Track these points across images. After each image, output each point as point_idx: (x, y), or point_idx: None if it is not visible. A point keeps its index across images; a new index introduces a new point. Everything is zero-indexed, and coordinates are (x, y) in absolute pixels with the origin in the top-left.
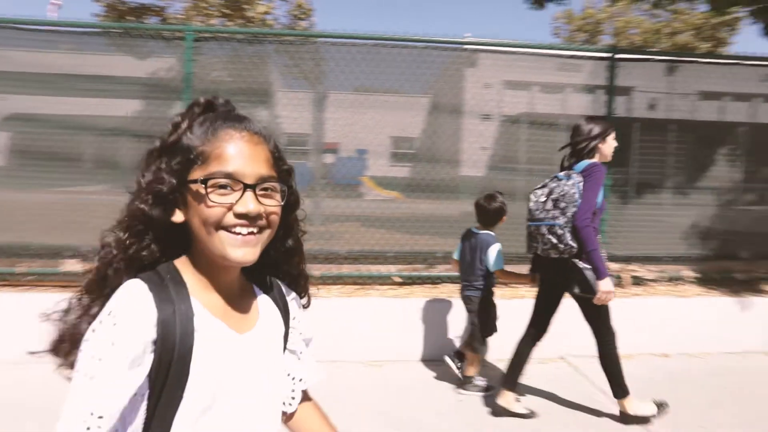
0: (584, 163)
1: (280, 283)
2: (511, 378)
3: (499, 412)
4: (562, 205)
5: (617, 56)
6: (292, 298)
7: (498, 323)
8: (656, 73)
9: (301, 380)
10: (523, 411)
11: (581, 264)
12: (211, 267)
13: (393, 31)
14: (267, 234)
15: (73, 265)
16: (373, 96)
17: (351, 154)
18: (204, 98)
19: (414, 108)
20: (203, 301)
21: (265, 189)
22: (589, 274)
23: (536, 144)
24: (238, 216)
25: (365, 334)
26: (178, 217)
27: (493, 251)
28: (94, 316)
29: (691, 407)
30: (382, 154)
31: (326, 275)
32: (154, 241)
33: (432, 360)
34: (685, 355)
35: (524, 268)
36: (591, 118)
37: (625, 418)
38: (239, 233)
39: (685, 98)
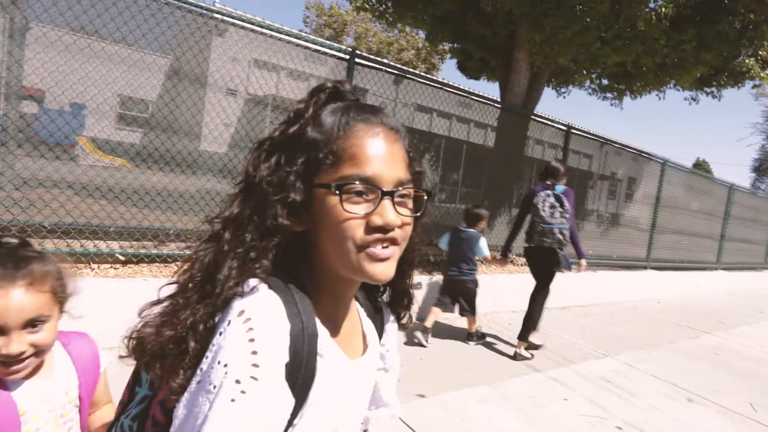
0: (561, 187)
1: (382, 302)
2: (525, 334)
3: (516, 355)
4: (566, 215)
5: (356, 60)
6: (392, 321)
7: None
8: (386, 81)
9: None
10: (528, 355)
11: (561, 252)
12: (331, 282)
13: None
14: (401, 247)
15: None
16: (99, 43)
17: (63, 108)
18: (331, 83)
19: (151, 68)
20: (322, 320)
21: (402, 195)
22: (564, 258)
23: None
24: (376, 228)
25: (78, 321)
26: (299, 225)
27: (483, 243)
28: (184, 323)
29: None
30: (106, 113)
31: None
32: (269, 250)
33: None
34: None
35: None
36: (559, 161)
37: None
38: (375, 247)
39: (405, 108)
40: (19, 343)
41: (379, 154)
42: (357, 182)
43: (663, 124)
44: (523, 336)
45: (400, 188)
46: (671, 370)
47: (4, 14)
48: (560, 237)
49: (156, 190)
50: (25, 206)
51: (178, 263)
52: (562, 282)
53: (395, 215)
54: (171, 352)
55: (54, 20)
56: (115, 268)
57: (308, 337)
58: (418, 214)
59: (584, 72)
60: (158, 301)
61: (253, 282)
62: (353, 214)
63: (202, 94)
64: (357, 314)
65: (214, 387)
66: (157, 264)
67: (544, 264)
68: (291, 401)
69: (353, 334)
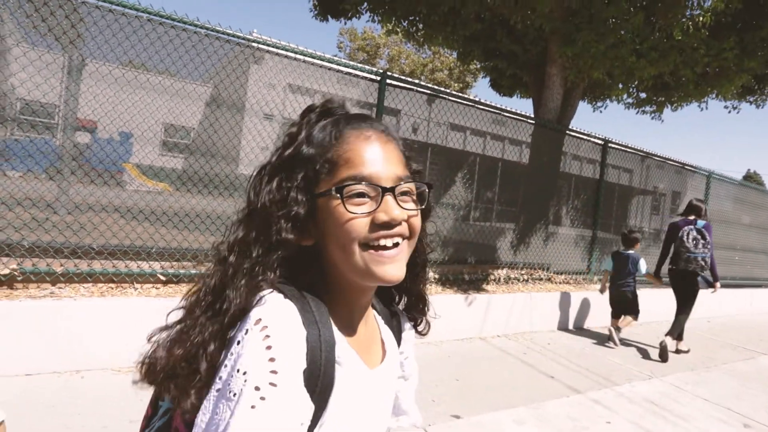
0: (703, 222)
1: (397, 308)
2: (674, 332)
3: (678, 350)
4: (708, 246)
5: (387, 81)
6: (408, 328)
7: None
8: (419, 102)
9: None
10: (685, 348)
11: (701, 275)
12: (345, 290)
13: (174, 10)
14: (410, 244)
15: None
16: (145, 75)
17: (112, 136)
18: (320, 103)
19: (192, 96)
20: (339, 327)
21: (403, 192)
22: (704, 279)
23: None
24: (381, 225)
25: (121, 338)
26: (308, 239)
27: (643, 263)
28: (194, 341)
29: (425, 384)
30: (151, 140)
31: (72, 272)
32: (273, 264)
33: None
34: (425, 343)
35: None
36: (700, 200)
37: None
38: (384, 246)
39: (439, 127)
40: None
41: (375, 154)
42: (356, 182)
43: (708, 136)
44: (680, 335)
45: (401, 183)
46: (725, 393)
47: (64, 53)
48: (702, 264)
49: (195, 213)
50: (77, 229)
51: None
52: (603, 300)
53: (400, 210)
54: (182, 372)
55: (105, 56)
56: (156, 288)
57: (325, 344)
58: (423, 206)
59: (620, 86)
60: (167, 326)
61: (266, 292)
62: (357, 214)
63: (240, 119)
64: (375, 322)
65: (234, 395)
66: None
67: (689, 284)
68: (310, 407)
69: (372, 343)
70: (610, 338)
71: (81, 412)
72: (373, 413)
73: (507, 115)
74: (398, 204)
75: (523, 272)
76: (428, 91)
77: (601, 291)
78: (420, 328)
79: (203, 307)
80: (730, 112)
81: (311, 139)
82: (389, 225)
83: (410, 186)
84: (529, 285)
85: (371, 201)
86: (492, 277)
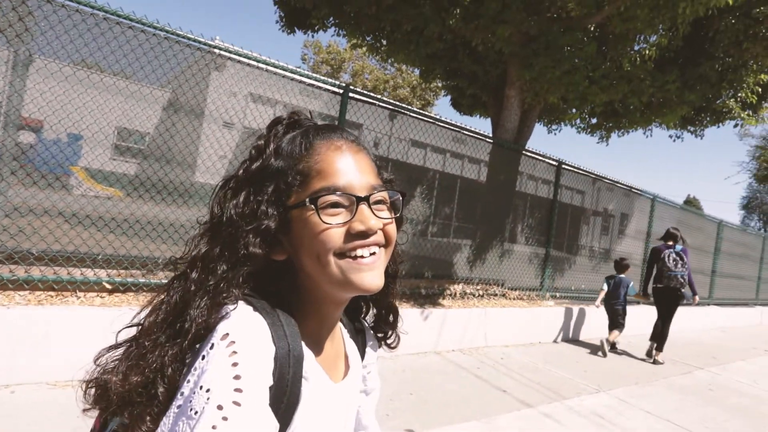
0: (680, 246)
1: (363, 322)
2: (657, 342)
3: (655, 361)
4: (686, 266)
5: (350, 95)
6: (373, 343)
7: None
8: (381, 117)
9: None
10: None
11: (682, 291)
12: (317, 305)
13: (133, 11)
14: (387, 252)
15: None
16: (99, 75)
17: (60, 137)
18: (287, 114)
19: (148, 100)
20: (307, 342)
21: (377, 201)
22: (685, 294)
23: None
24: (357, 235)
25: (59, 349)
26: (280, 254)
27: (633, 285)
28: (151, 366)
29: (380, 399)
30: (102, 143)
31: (6, 278)
32: (238, 280)
33: None
34: (381, 357)
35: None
36: (676, 229)
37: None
38: (361, 256)
39: (400, 143)
40: None
41: (346, 164)
42: (330, 193)
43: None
44: (660, 347)
45: (375, 192)
46: (667, 407)
47: (8, 47)
48: (682, 281)
49: (146, 220)
50: (14, 233)
51: None
52: (554, 315)
53: (375, 219)
54: (139, 399)
55: (56, 53)
56: (101, 297)
57: (294, 359)
58: (398, 214)
59: (574, 110)
60: (116, 346)
61: (233, 305)
62: (332, 224)
63: (198, 125)
64: (341, 336)
65: (196, 413)
66: (144, 293)
67: (672, 299)
68: (275, 426)
69: (337, 357)
70: (601, 348)
71: (12, 431)
72: (335, 427)
73: (466, 133)
74: (373, 213)
75: (478, 287)
76: (390, 107)
77: (597, 306)
78: (390, 341)
79: (162, 328)
80: (674, 141)
81: (280, 151)
82: (365, 234)
83: (384, 195)
84: (484, 300)
85: (346, 211)
86: (448, 291)
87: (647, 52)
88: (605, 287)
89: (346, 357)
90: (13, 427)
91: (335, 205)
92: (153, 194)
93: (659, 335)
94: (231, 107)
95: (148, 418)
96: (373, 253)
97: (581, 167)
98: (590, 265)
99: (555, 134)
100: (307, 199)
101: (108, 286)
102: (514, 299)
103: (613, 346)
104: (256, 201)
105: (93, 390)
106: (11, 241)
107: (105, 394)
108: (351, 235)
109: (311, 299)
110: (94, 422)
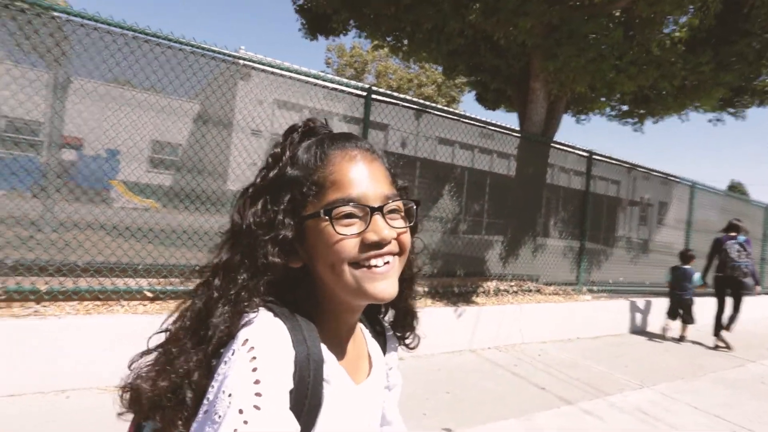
0: (743, 237)
1: (383, 321)
2: (717, 330)
3: (716, 347)
4: (750, 257)
5: (373, 96)
6: (393, 340)
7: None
8: (407, 116)
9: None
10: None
11: (745, 279)
12: (335, 310)
13: (160, 28)
14: (401, 260)
15: None
16: (132, 92)
17: (99, 153)
18: (302, 122)
19: (178, 113)
20: (327, 345)
21: (391, 210)
22: (748, 284)
23: None
24: (371, 245)
25: (107, 356)
26: (296, 261)
27: (697, 276)
28: (178, 372)
29: (416, 398)
30: (137, 157)
31: (57, 290)
32: (259, 289)
33: None
34: (415, 357)
35: None
36: (738, 220)
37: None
38: (375, 265)
39: (427, 141)
40: None
41: (360, 174)
42: (344, 204)
43: (692, 147)
44: (728, 328)
45: (389, 202)
46: (714, 402)
47: (49, 70)
48: (745, 271)
49: (182, 229)
50: (61, 247)
51: None
52: (592, 310)
53: (389, 229)
54: (168, 403)
55: (91, 73)
56: (143, 305)
57: (314, 363)
58: (412, 224)
59: (602, 99)
60: (148, 351)
61: (255, 312)
62: (346, 235)
63: (228, 135)
64: (362, 336)
65: (219, 417)
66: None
67: (735, 288)
68: (296, 429)
69: (359, 358)
70: (664, 335)
71: None
72: (361, 427)
73: (492, 128)
74: (387, 223)
75: (512, 284)
76: (413, 106)
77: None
78: (408, 342)
79: (188, 335)
80: (715, 125)
81: (296, 160)
82: (379, 245)
83: (398, 204)
84: (518, 296)
85: (360, 221)
86: (481, 289)
87: (677, 34)
88: (667, 278)
89: (369, 357)
90: (69, 429)
91: (349, 215)
92: (187, 204)
93: (730, 320)
94: (258, 115)
95: (179, 422)
96: (387, 263)
97: (614, 157)
98: (628, 257)
99: (584, 124)
100: (322, 211)
101: (149, 294)
102: (549, 294)
103: (681, 339)
104: (273, 210)
105: (127, 394)
106: (59, 255)
107: (138, 398)
108: (365, 245)
109: (328, 305)
110: (129, 426)
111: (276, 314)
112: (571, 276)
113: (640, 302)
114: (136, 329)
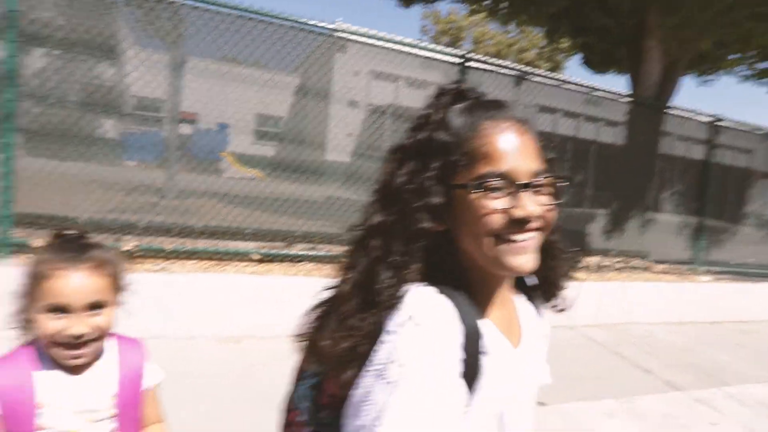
0: None
1: (530, 285)
2: None
3: None
4: None
5: (466, 63)
6: (539, 306)
7: None
8: (505, 83)
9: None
10: None
11: None
12: (481, 276)
13: (260, 5)
14: (542, 235)
15: None
16: (238, 69)
17: (211, 127)
18: (453, 85)
19: (280, 87)
20: (482, 314)
21: (539, 186)
22: None
23: (399, 135)
24: (516, 221)
25: (221, 310)
26: (440, 225)
27: None
28: (355, 333)
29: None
30: (244, 130)
31: (180, 249)
32: (417, 254)
33: (290, 337)
34: None
35: None
36: None
37: None
38: (517, 240)
39: (526, 110)
40: (82, 324)
41: (512, 148)
42: (494, 179)
43: None
44: None
45: (538, 178)
46: None
47: (168, 52)
48: None
49: (285, 197)
50: (183, 211)
51: (304, 263)
52: (712, 292)
53: (535, 206)
54: (344, 357)
55: (203, 52)
56: (251, 266)
57: (474, 334)
58: (559, 201)
59: (733, 56)
60: (318, 305)
61: (413, 286)
62: (493, 210)
63: (325, 106)
64: (512, 301)
65: (390, 382)
66: (286, 263)
67: None
68: (463, 395)
69: (512, 321)
70: None
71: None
72: (525, 390)
73: (599, 93)
74: (534, 200)
75: (617, 260)
76: (511, 72)
77: None
78: (555, 305)
79: (354, 295)
80: None
81: (446, 125)
82: (524, 221)
83: (547, 180)
84: (624, 273)
85: (508, 197)
86: (583, 264)
87: None
88: None
89: (521, 319)
90: (194, 370)
91: (498, 189)
92: (289, 173)
93: None
94: (354, 86)
95: (350, 371)
96: (530, 238)
97: (746, 123)
98: (758, 236)
99: (709, 86)
100: (472, 183)
101: (256, 257)
102: (659, 273)
103: None
104: (423, 176)
105: (301, 343)
106: (181, 219)
107: (318, 351)
108: (511, 221)
109: (475, 272)
110: (295, 372)
111: (437, 289)
112: (687, 255)
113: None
114: (244, 288)
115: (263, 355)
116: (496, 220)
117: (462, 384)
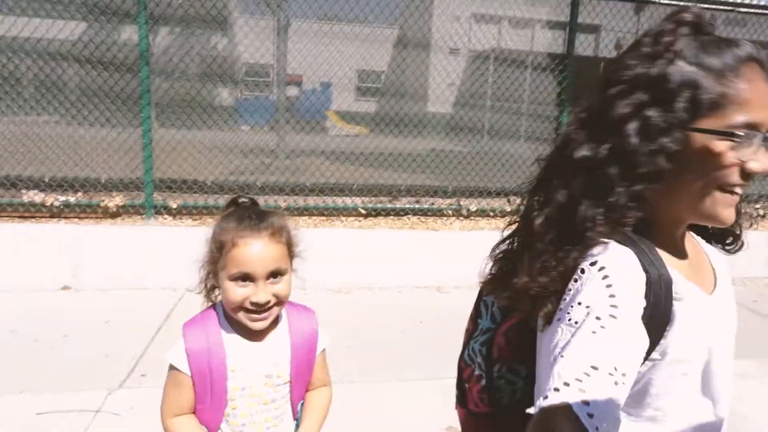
0: None
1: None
2: None
3: None
4: None
5: None
6: (718, 247)
7: None
8: (623, 13)
9: None
10: None
11: None
12: (667, 226)
13: None
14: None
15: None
16: (338, 26)
17: (315, 87)
18: (690, 13)
19: (380, 40)
20: (672, 263)
21: None
22: None
23: (503, 81)
24: (748, 175)
25: (332, 263)
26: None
27: None
28: (555, 270)
29: None
30: (347, 87)
31: (293, 207)
32: (638, 198)
33: (396, 287)
34: None
35: None
36: None
37: None
38: (735, 192)
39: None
40: (265, 292)
41: (766, 96)
42: (748, 129)
43: None
44: None
45: None
46: None
47: (272, 16)
48: None
49: (388, 151)
50: (294, 170)
51: (409, 216)
52: None
53: None
54: (543, 294)
55: (305, 13)
56: (358, 221)
57: (664, 283)
58: None
59: None
60: (503, 240)
61: (602, 240)
62: (734, 162)
63: (426, 57)
64: (698, 246)
65: (576, 323)
66: (391, 217)
67: None
68: (646, 340)
69: (701, 267)
70: None
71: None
72: (721, 335)
73: (745, 10)
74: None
75: (758, 206)
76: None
77: None
78: (728, 246)
79: (550, 231)
80: None
81: (694, 59)
82: (752, 176)
83: None
84: (766, 221)
85: (750, 149)
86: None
87: None
88: None
89: (711, 264)
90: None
91: (747, 140)
92: (392, 128)
93: None
94: (455, 32)
95: (549, 305)
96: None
97: None
98: None
99: None
100: (723, 130)
101: (362, 212)
102: None
103: None
104: (657, 114)
105: (493, 281)
106: (292, 177)
107: (496, 280)
108: (743, 174)
109: (661, 222)
110: (468, 324)
111: (620, 241)
112: None
113: None
114: (352, 242)
115: (372, 304)
116: (732, 173)
117: (644, 328)
